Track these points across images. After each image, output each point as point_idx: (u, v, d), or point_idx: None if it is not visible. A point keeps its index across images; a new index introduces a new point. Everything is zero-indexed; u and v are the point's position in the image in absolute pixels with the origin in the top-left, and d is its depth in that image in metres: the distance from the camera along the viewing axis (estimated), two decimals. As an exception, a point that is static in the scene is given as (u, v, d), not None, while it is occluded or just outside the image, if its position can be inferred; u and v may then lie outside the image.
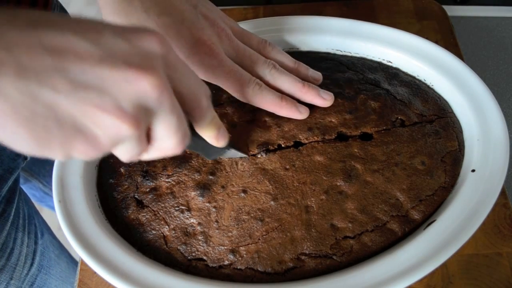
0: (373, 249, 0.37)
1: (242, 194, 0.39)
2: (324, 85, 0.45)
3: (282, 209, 0.38)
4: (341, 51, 0.50)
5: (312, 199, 0.38)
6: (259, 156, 0.41)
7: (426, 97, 0.45)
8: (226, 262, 0.37)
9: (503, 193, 0.49)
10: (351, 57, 0.49)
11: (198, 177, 0.40)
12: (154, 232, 0.39)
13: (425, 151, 0.41)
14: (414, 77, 0.47)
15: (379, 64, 0.48)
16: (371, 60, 0.49)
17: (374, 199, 0.38)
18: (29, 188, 0.73)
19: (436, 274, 0.45)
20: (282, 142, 0.41)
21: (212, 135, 0.33)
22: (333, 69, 0.47)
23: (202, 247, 0.38)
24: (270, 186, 0.39)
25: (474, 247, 0.46)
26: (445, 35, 0.63)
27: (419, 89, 0.46)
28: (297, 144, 0.41)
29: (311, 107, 0.43)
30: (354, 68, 0.47)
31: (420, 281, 0.43)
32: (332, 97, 0.42)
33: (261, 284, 0.36)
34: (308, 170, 0.40)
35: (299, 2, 0.68)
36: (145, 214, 0.40)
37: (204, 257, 0.38)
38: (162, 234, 0.39)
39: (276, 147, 0.41)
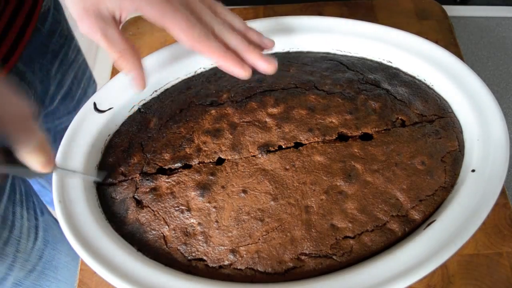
0: (373, 249, 0.37)
1: (242, 194, 0.39)
2: (325, 86, 0.45)
3: (282, 209, 0.38)
4: (341, 51, 0.50)
5: (312, 199, 0.38)
6: (259, 156, 0.41)
7: (426, 97, 0.45)
8: (226, 262, 0.37)
9: (503, 193, 0.49)
10: (351, 57, 0.49)
11: (198, 177, 0.40)
12: (154, 232, 0.39)
13: (425, 151, 0.41)
14: (414, 77, 0.47)
15: (379, 64, 0.48)
16: (371, 60, 0.49)
17: (374, 199, 0.38)
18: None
19: (436, 274, 0.45)
20: (283, 143, 0.41)
21: (40, 161, 0.30)
22: (333, 69, 0.47)
23: (202, 247, 0.38)
24: (270, 186, 0.39)
25: (474, 247, 0.46)
26: (445, 35, 0.63)
27: (419, 89, 0.46)
28: (298, 145, 0.41)
29: (312, 110, 0.43)
30: (354, 68, 0.47)
31: (420, 281, 0.43)
32: (275, 65, 0.40)
33: (261, 284, 0.36)
34: (308, 170, 0.40)
35: (299, 2, 0.68)
36: (144, 214, 0.40)
37: (204, 257, 0.38)
38: (162, 234, 0.39)
39: (276, 148, 0.41)
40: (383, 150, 0.41)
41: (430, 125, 0.43)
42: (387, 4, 0.67)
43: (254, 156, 0.41)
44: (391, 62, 0.48)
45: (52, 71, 0.62)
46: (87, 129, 0.44)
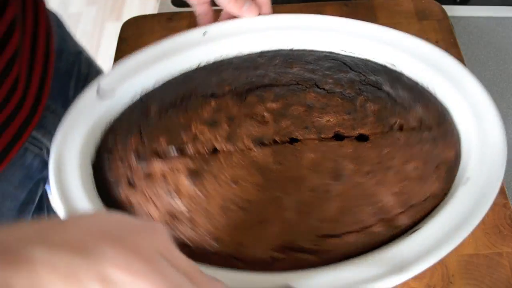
0: (357, 249, 0.37)
1: (233, 185, 0.39)
2: (326, 84, 0.45)
3: (270, 202, 0.38)
4: (345, 51, 0.50)
5: (301, 195, 0.38)
6: (253, 149, 0.40)
7: (427, 103, 0.45)
8: (210, 250, 0.37)
9: (503, 193, 0.49)
10: (355, 58, 0.49)
11: (192, 165, 0.40)
12: (143, 214, 0.39)
13: (420, 157, 0.40)
14: (417, 83, 0.47)
15: (383, 66, 0.48)
16: (375, 62, 0.49)
17: (362, 201, 0.38)
18: None
19: (436, 273, 0.45)
20: (278, 137, 0.41)
21: None
22: (335, 69, 0.47)
23: (187, 233, 0.38)
24: (261, 179, 0.39)
25: (474, 247, 0.46)
26: (445, 35, 0.63)
27: (421, 94, 0.46)
28: (293, 141, 0.41)
29: (311, 107, 0.43)
30: (357, 69, 0.47)
31: (420, 281, 0.43)
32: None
33: (244, 273, 0.36)
34: (300, 166, 0.39)
35: (299, 2, 0.68)
36: (136, 196, 0.40)
37: (189, 243, 0.38)
38: (150, 216, 0.39)
39: (271, 142, 0.41)
40: (378, 152, 0.40)
41: (429, 132, 0.43)
42: (387, 4, 0.67)
43: (248, 148, 0.41)
44: (394, 66, 0.48)
45: (69, 93, 0.61)
46: (87, 113, 0.44)
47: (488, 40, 0.70)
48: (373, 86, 0.45)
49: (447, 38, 0.63)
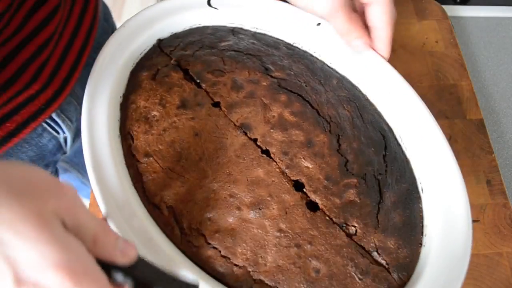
0: None
1: (194, 135, 0.39)
2: (347, 146, 0.41)
3: (199, 172, 0.38)
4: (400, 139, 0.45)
5: (218, 190, 0.37)
6: (236, 129, 0.40)
7: (403, 246, 0.38)
8: (144, 159, 0.38)
9: (503, 193, 0.49)
10: (404, 150, 0.45)
11: (193, 96, 0.41)
12: (135, 103, 0.41)
13: (334, 269, 0.36)
14: (422, 226, 0.41)
15: (413, 185, 0.43)
16: (413, 173, 0.44)
17: (248, 240, 0.36)
18: (67, 178, 0.74)
19: (436, 274, 0.45)
20: (260, 139, 0.40)
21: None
22: (371, 143, 0.43)
23: (142, 136, 0.39)
24: (213, 153, 0.39)
25: (474, 247, 0.46)
26: (445, 35, 0.63)
27: (408, 236, 0.39)
28: (265, 152, 0.39)
29: (310, 145, 0.40)
30: (388, 158, 0.43)
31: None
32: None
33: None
34: (245, 171, 0.38)
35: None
36: (147, 84, 0.42)
37: (135, 153, 0.39)
38: (136, 105, 0.41)
39: (251, 137, 0.40)
40: (306, 226, 0.37)
41: (366, 263, 0.37)
42: (387, 4, 0.67)
43: (234, 124, 0.40)
44: (422, 191, 0.43)
45: None
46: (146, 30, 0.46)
47: (488, 40, 0.70)
48: (378, 183, 0.41)
49: (447, 38, 0.63)
